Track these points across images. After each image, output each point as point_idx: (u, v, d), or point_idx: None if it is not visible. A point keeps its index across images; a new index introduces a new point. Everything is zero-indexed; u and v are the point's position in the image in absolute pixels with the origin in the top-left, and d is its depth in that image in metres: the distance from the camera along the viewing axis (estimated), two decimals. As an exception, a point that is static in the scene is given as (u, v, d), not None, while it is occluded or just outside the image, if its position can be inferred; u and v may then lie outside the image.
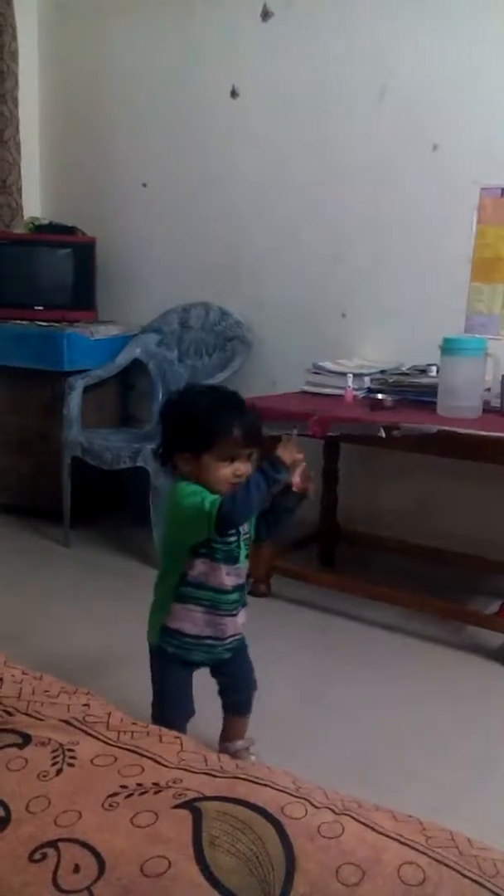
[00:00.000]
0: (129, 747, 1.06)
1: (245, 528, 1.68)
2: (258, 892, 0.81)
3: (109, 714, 1.18)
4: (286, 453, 1.60)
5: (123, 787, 0.96)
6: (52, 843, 0.87)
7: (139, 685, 1.82)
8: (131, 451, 3.10)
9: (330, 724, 2.11)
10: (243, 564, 1.69)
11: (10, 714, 1.15)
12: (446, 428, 2.35)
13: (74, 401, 3.29)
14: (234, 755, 1.73)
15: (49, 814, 0.92)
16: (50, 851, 0.87)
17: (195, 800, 0.93)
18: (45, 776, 0.99)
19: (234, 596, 1.68)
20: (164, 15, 3.48)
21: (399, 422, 2.41)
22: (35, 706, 1.18)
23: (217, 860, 0.84)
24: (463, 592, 2.88)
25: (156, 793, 0.95)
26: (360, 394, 2.82)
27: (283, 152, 3.28)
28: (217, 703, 1.85)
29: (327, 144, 3.17)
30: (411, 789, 1.79)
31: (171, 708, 1.73)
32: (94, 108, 3.76)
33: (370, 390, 2.81)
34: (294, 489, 1.68)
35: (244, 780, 0.98)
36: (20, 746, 1.06)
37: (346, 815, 0.92)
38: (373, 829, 0.90)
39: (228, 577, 1.65)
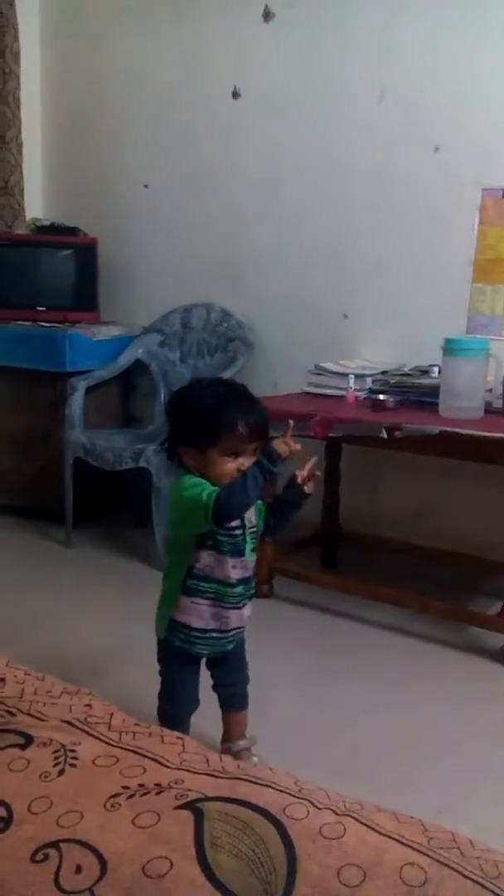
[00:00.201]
0: (130, 748, 1.06)
1: (252, 520, 1.69)
2: (260, 893, 0.81)
3: (111, 715, 1.18)
4: (282, 446, 1.61)
5: (125, 787, 0.96)
6: (54, 844, 0.87)
7: (141, 685, 1.82)
8: (133, 452, 3.10)
9: (332, 724, 2.11)
10: (249, 558, 1.69)
11: (12, 714, 1.15)
12: (448, 429, 2.35)
13: (76, 401, 3.29)
14: (237, 756, 1.74)
15: (51, 814, 0.92)
16: (52, 852, 0.87)
17: (197, 800, 0.93)
18: (46, 777, 0.99)
19: (239, 589, 1.68)
20: (166, 16, 3.48)
21: (401, 422, 2.41)
22: (37, 707, 1.18)
23: (219, 861, 0.84)
24: (465, 593, 2.88)
25: (157, 793, 0.95)
26: (362, 395, 2.82)
27: (285, 153, 3.28)
28: (217, 701, 1.85)
29: (329, 145, 3.17)
30: (414, 791, 1.79)
31: (176, 700, 1.75)
32: (95, 109, 3.77)
33: (372, 391, 2.81)
34: (299, 481, 1.69)
35: (246, 780, 0.97)
36: (22, 747, 1.06)
37: (348, 816, 0.92)
38: (375, 830, 0.90)
39: (234, 569, 1.66)
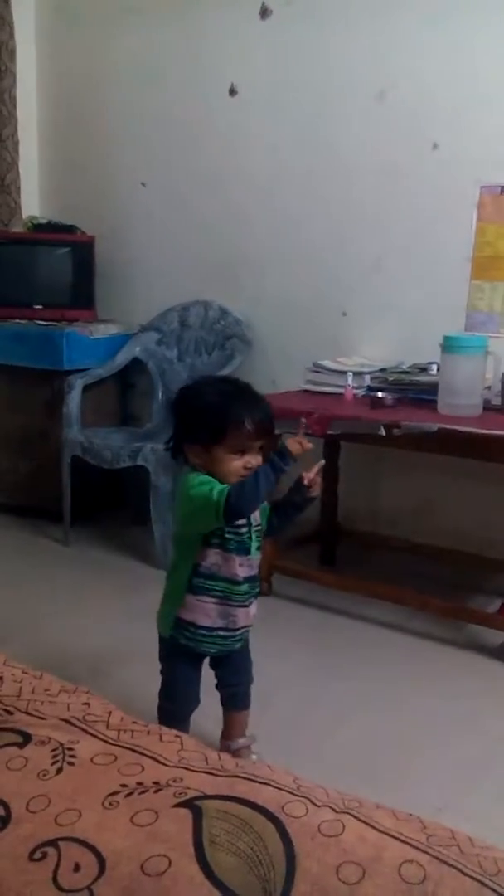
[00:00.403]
0: (129, 746, 1.06)
1: (257, 519, 1.69)
2: (259, 891, 0.81)
3: (109, 713, 1.17)
4: (295, 445, 1.61)
5: (123, 785, 0.96)
6: (53, 842, 0.87)
7: (139, 683, 1.82)
8: (131, 450, 3.10)
9: (331, 722, 2.11)
10: (255, 556, 1.70)
11: (9, 713, 1.15)
12: (447, 426, 2.35)
13: (74, 400, 3.29)
14: (236, 753, 1.74)
15: (49, 813, 0.92)
16: (50, 850, 0.86)
17: (195, 798, 0.93)
18: (45, 775, 0.99)
19: (246, 587, 1.69)
20: (163, 13, 3.47)
21: (399, 420, 2.41)
22: (35, 705, 1.17)
23: (217, 859, 0.84)
24: (464, 591, 2.88)
25: (156, 792, 0.94)
26: (361, 392, 2.82)
27: (283, 151, 3.27)
28: (218, 700, 1.85)
29: (327, 143, 3.17)
30: (413, 788, 1.79)
31: (178, 699, 1.75)
32: (92, 107, 3.76)
33: (370, 389, 2.81)
34: (305, 483, 1.69)
35: (244, 778, 0.97)
36: (20, 745, 1.05)
37: (347, 813, 0.92)
38: (373, 827, 0.90)
39: (241, 567, 1.66)
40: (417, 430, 2.36)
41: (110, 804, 0.93)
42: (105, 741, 1.08)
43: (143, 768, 1.00)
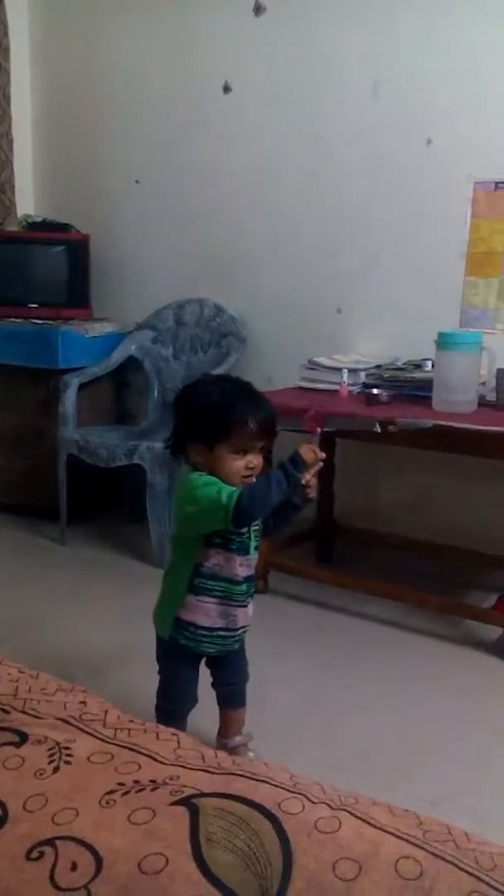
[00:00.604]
0: (125, 745, 1.06)
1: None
2: (255, 888, 0.81)
3: (106, 712, 1.17)
4: (309, 453, 1.62)
5: (120, 784, 0.96)
6: (50, 842, 0.87)
7: (136, 682, 1.82)
8: (127, 449, 3.10)
9: (327, 719, 2.12)
10: (253, 556, 1.71)
11: (6, 712, 1.15)
12: (442, 422, 2.35)
13: (69, 398, 3.29)
14: (232, 751, 1.74)
15: (46, 812, 0.92)
16: (47, 849, 0.86)
17: (192, 796, 0.93)
18: (41, 774, 0.99)
19: (245, 587, 1.69)
20: (156, 10, 3.47)
21: (394, 416, 2.41)
22: (31, 704, 1.17)
23: (214, 857, 0.84)
24: (460, 587, 2.88)
25: (153, 790, 0.94)
26: (356, 389, 2.82)
27: (277, 147, 3.27)
28: (214, 698, 1.85)
29: (321, 139, 3.17)
30: (409, 784, 1.80)
31: (176, 698, 1.75)
32: (86, 105, 3.75)
33: (365, 385, 2.81)
34: (303, 482, 1.69)
35: (241, 776, 0.97)
36: (17, 745, 1.05)
37: (344, 810, 0.92)
38: (370, 823, 0.90)
39: (241, 567, 1.67)
40: (413, 427, 2.36)
41: (107, 803, 0.93)
42: (102, 740, 1.08)
43: (139, 767, 1.00)
